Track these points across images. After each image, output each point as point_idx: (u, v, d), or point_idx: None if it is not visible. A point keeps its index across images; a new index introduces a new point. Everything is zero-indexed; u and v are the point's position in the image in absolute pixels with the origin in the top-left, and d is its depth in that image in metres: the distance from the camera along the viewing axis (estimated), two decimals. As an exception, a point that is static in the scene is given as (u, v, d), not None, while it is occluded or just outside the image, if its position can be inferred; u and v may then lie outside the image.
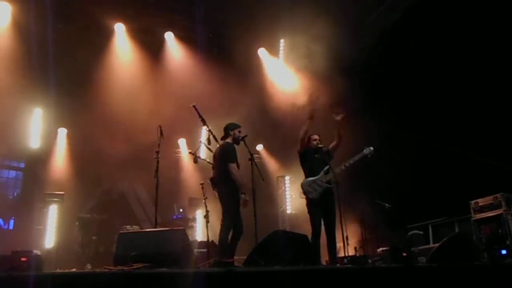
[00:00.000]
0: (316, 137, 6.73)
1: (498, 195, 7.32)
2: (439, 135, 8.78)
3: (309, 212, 6.46)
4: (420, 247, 7.83)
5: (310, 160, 6.65)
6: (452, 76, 8.52)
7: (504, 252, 6.74)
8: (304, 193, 6.54)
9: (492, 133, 7.90)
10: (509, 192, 7.27)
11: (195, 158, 7.07)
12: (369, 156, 6.71)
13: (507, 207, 7.16)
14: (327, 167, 6.52)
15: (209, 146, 6.66)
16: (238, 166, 5.93)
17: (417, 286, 4.15)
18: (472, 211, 7.73)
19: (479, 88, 8.08)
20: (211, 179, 6.13)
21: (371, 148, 6.72)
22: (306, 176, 6.65)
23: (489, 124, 7.96)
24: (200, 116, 6.53)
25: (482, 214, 7.53)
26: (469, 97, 8.23)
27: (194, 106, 6.56)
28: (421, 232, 8.61)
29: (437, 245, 6.05)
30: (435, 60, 8.78)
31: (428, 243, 8.35)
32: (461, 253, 5.34)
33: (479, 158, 7.87)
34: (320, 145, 6.66)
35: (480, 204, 7.62)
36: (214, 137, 6.42)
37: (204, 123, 6.51)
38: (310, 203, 6.47)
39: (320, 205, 6.38)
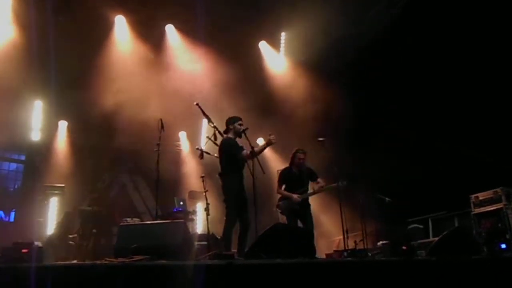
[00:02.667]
0: (301, 156, 7.14)
1: (498, 189, 7.35)
2: (439, 130, 8.78)
3: (287, 220, 7.14)
4: (420, 241, 7.86)
5: (292, 178, 7.15)
6: (451, 72, 8.50)
7: (503, 246, 6.77)
8: (277, 206, 7.28)
9: (493, 128, 7.90)
10: (509, 186, 7.28)
11: (201, 154, 7.05)
12: (340, 188, 6.94)
13: (507, 202, 7.19)
14: (303, 189, 7.04)
15: (215, 142, 6.63)
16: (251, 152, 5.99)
17: (417, 280, 4.16)
18: (472, 205, 7.76)
19: (479, 83, 8.08)
20: (219, 174, 6.25)
21: (345, 182, 6.97)
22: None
23: (490, 119, 7.95)
24: (204, 114, 6.49)
25: (482, 208, 7.56)
26: (470, 92, 8.22)
27: (197, 104, 6.53)
28: (421, 226, 8.64)
29: (436, 239, 6.06)
30: (435, 56, 8.75)
31: (428, 237, 8.39)
32: (461, 247, 5.35)
33: (479, 153, 7.88)
34: (303, 165, 7.14)
35: (480, 198, 7.65)
36: (220, 132, 6.39)
37: (209, 120, 6.45)
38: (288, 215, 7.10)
39: (296, 215, 6.97)
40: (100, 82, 10.01)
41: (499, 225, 7.16)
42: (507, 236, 6.94)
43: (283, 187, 7.25)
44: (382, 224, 9.03)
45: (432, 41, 8.76)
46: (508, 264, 4.79)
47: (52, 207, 9.31)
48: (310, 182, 7.20)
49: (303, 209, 6.98)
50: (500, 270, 4.55)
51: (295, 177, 7.11)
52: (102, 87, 9.96)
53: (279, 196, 7.28)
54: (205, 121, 6.74)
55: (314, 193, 7.07)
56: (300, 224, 6.98)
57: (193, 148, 12.70)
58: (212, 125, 6.38)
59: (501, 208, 7.21)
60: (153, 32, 11.06)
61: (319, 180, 7.09)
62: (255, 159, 6.07)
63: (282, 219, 11.63)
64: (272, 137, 6.07)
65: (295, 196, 6.97)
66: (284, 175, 7.27)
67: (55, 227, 8.65)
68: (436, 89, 8.80)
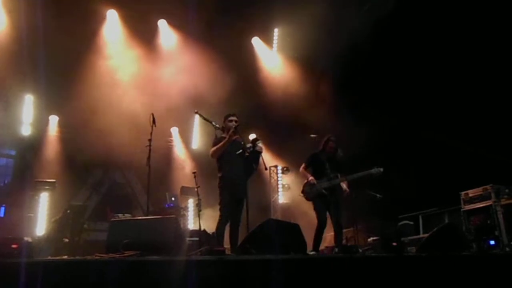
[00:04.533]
0: (332, 144, 6.91)
1: (487, 186, 7.43)
2: (430, 126, 8.84)
3: (313, 205, 6.77)
4: (410, 237, 7.93)
5: (321, 163, 6.83)
6: (443, 68, 8.56)
7: (492, 242, 6.85)
8: (302, 191, 6.90)
9: (484, 125, 7.96)
10: (498, 183, 7.36)
11: None
12: (374, 176, 6.74)
13: (496, 199, 7.27)
14: (332, 175, 6.75)
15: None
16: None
17: (407, 275, 4.20)
18: (462, 202, 7.83)
19: (470, 80, 8.14)
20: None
21: (381, 169, 6.75)
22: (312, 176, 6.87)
23: (480, 116, 8.02)
24: (206, 119, 6.40)
25: (472, 205, 7.64)
26: (460, 89, 8.29)
27: (197, 112, 6.49)
28: (412, 223, 8.71)
29: (426, 235, 6.11)
30: (427, 50, 8.79)
31: (418, 234, 8.46)
32: (450, 243, 5.40)
33: (470, 149, 7.94)
34: (334, 152, 6.88)
35: (470, 195, 7.72)
36: (222, 131, 6.34)
37: (213, 125, 6.34)
38: (313, 201, 6.78)
39: (324, 200, 6.62)
40: (91, 76, 9.95)
41: (488, 221, 7.24)
42: (496, 233, 7.02)
43: (309, 170, 6.98)
44: (373, 220, 9.10)
45: (422, 33, 8.78)
46: (496, 261, 4.85)
47: (43, 202, 9.24)
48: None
49: (332, 196, 6.68)
50: (489, 266, 4.61)
51: (322, 163, 6.83)
52: (93, 82, 9.90)
53: (304, 182, 6.98)
54: (197, 117, 6.70)
55: (344, 180, 6.77)
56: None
57: (185, 143, 12.69)
58: (217, 127, 6.26)
59: (490, 205, 7.29)
60: (145, 27, 11.00)
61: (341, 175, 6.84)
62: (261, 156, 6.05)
63: (275, 215, 11.74)
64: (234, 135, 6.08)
65: (311, 177, 6.76)
66: (313, 158, 7.00)
67: (52, 224, 8.54)
68: (428, 85, 8.85)
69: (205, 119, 6.40)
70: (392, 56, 9.30)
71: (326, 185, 6.69)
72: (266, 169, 6.09)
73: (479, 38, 7.89)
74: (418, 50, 8.89)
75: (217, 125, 6.25)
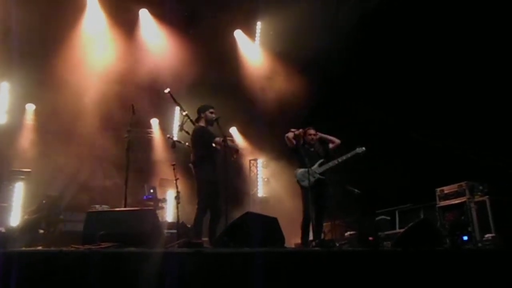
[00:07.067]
0: (312, 132, 6.97)
1: (462, 183, 7.59)
2: (408, 123, 8.96)
3: (302, 198, 6.73)
4: (387, 232, 8.06)
5: (305, 154, 6.76)
6: (420, 65, 8.66)
7: (465, 238, 7.01)
8: (298, 181, 6.81)
9: (460, 123, 8.11)
10: (473, 180, 7.53)
11: (173, 144, 7.04)
12: (361, 154, 6.98)
13: (470, 195, 7.44)
14: (321, 160, 6.84)
15: (187, 130, 6.61)
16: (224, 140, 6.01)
17: (382, 269, 4.26)
18: (437, 198, 7.98)
19: (446, 78, 8.26)
20: (191, 163, 6.22)
21: (363, 148, 6.99)
22: (300, 167, 6.83)
23: (457, 114, 8.16)
24: (176, 102, 6.47)
25: (447, 201, 7.80)
26: (437, 87, 8.41)
27: (169, 93, 6.51)
28: (388, 218, 8.83)
29: (402, 230, 6.22)
30: (409, 44, 8.86)
31: (395, 229, 8.59)
32: (425, 238, 5.50)
33: (446, 146, 8.09)
34: (315, 140, 6.97)
35: (445, 191, 7.88)
36: (191, 121, 6.39)
37: (181, 108, 6.45)
38: (304, 191, 6.70)
39: (313, 193, 6.51)
40: (71, 65, 9.76)
41: (462, 218, 7.41)
42: (469, 229, 7.18)
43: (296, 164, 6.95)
44: (351, 215, 9.21)
45: (407, 28, 8.84)
46: (469, 255, 4.97)
47: (18, 192, 9.07)
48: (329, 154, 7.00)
49: (321, 186, 6.73)
50: (462, 260, 4.72)
51: (306, 154, 6.73)
52: (72, 71, 9.72)
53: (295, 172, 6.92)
54: (177, 108, 6.72)
55: (336, 162, 6.86)
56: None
57: (165, 135, 12.59)
58: (184, 113, 6.37)
59: (464, 202, 7.45)
60: (127, 16, 10.82)
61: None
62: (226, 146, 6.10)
63: (254, 208, 11.76)
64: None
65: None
66: (296, 152, 6.90)
67: (27, 214, 8.37)
68: (405, 82, 8.95)
69: (175, 101, 6.47)
70: (374, 52, 9.37)
71: (319, 171, 6.78)
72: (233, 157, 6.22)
73: (463, 35, 8.00)
74: (402, 41, 8.94)
75: (185, 112, 6.30)
